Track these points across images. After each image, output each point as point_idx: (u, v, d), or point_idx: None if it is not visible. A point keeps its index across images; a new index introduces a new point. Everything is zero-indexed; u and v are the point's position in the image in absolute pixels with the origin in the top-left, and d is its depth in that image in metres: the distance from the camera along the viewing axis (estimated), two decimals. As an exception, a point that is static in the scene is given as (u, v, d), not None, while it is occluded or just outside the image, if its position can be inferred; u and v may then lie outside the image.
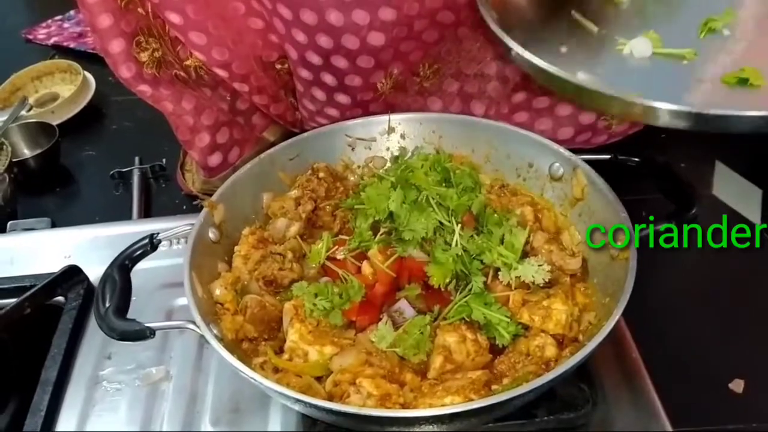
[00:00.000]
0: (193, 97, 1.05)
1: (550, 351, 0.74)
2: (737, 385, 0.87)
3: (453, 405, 0.66)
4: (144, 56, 0.96)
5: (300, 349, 0.75)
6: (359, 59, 0.94)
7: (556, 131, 1.09)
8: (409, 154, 0.96)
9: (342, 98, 1.01)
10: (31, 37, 1.75)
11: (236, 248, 0.86)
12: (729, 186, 1.10)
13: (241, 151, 1.14)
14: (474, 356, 0.75)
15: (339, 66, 0.96)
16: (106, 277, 0.78)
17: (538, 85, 1.01)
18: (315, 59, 0.95)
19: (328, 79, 0.98)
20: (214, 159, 1.11)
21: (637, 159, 0.86)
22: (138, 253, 0.81)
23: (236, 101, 1.10)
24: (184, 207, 1.22)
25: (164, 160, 1.29)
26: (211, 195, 1.02)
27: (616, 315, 0.70)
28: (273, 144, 1.16)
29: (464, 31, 0.99)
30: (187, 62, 1.00)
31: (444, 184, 0.84)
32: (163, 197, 1.26)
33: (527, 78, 1.02)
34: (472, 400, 0.67)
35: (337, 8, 0.88)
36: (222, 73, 0.99)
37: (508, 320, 0.76)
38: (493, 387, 0.71)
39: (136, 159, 1.31)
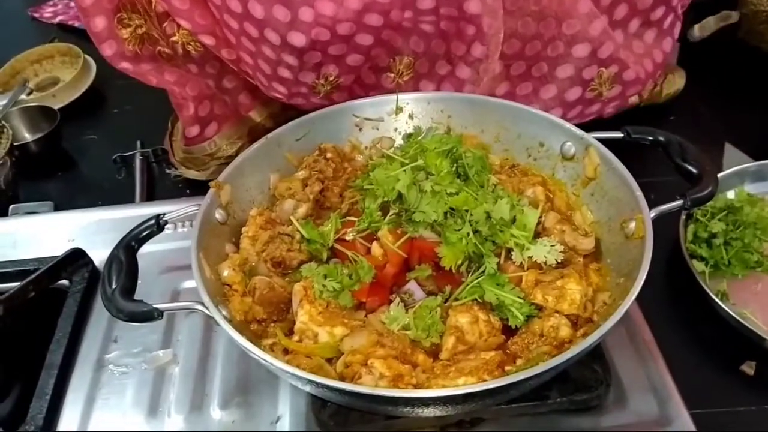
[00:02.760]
0: (175, 71, 1.05)
1: (565, 331, 0.73)
2: (749, 367, 0.86)
3: (467, 385, 0.65)
4: (125, 33, 0.95)
5: (310, 330, 0.74)
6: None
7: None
8: (424, 133, 0.94)
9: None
10: (37, 15, 1.74)
11: (244, 229, 0.84)
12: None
13: (219, 126, 1.15)
14: (487, 337, 0.74)
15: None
16: (112, 258, 0.77)
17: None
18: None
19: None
20: (193, 130, 1.13)
21: (651, 138, 0.84)
22: (144, 234, 0.80)
23: (223, 79, 1.09)
24: (188, 191, 1.21)
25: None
26: (189, 165, 1.08)
27: (632, 295, 0.69)
28: (259, 124, 1.16)
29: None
30: (174, 38, 0.99)
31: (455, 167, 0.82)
32: (166, 181, 1.24)
33: (508, 67, 1.03)
34: (485, 380, 0.66)
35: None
36: (208, 41, 0.98)
37: (522, 301, 0.74)
38: (507, 368, 0.70)
39: (138, 143, 1.29)
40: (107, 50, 0.97)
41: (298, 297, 0.76)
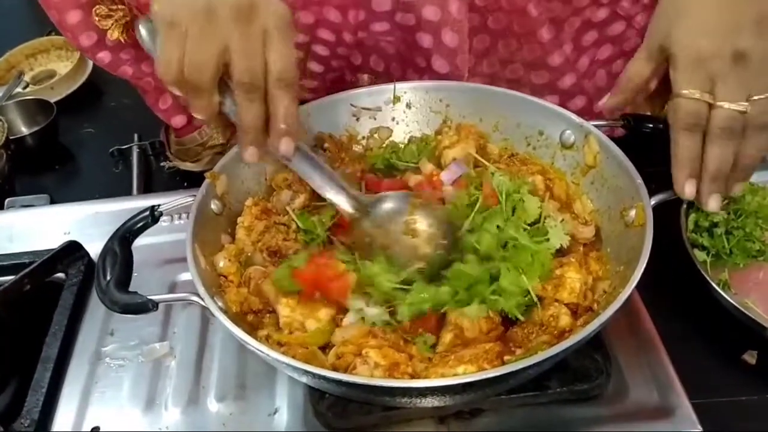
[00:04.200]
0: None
1: (565, 321, 0.72)
2: (751, 357, 0.85)
3: (466, 374, 0.65)
4: (108, 23, 0.94)
5: (296, 321, 0.73)
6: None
7: None
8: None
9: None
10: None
11: (239, 219, 0.84)
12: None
13: None
14: (486, 332, 0.73)
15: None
16: (106, 250, 0.76)
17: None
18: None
19: None
20: (178, 120, 1.12)
21: (651, 125, 0.83)
22: (139, 225, 0.79)
23: None
24: (185, 184, 1.20)
25: (164, 137, 1.27)
26: (183, 157, 1.08)
27: (633, 283, 0.68)
28: None
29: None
30: None
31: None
32: (163, 174, 1.23)
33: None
34: (485, 369, 0.66)
35: None
36: None
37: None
38: (506, 358, 0.69)
39: (135, 136, 1.28)
40: (85, 41, 0.96)
41: (272, 293, 0.76)
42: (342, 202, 0.79)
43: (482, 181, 0.81)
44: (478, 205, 0.77)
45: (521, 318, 0.73)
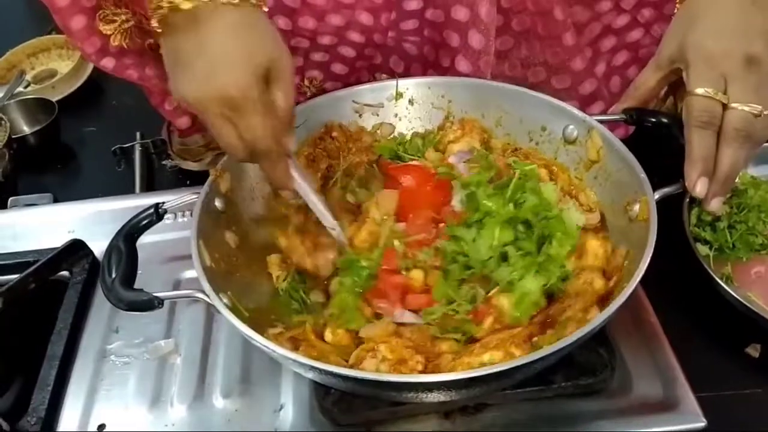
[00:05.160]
0: (160, 64, 1.03)
1: (599, 283, 0.73)
2: (754, 350, 0.86)
3: (471, 370, 0.65)
4: (110, 29, 0.93)
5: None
6: None
7: None
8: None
9: None
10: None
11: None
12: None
13: None
14: (534, 315, 0.73)
15: None
16: (111, 247, 0.76)
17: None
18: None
19: None
20: (183, 121, 1.12)
21: (653, 119, 0.83)
22: (144, 222, 0.79)
23: None
24: (188, 182, 1.20)
25: (166, 135, 1.27)
26: (185, 157, 1.10)
27: (637, 277, 0.68)
28: None
29: None
30: None
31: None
32: (166, 172, 1.23)
33: None
34: (513, 354, 0.66)
35: None
36: None
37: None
38: (534, 340, 0.69)
39: (138, 134, 1.28)
40: (89, 48, 0.95)
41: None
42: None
43: (495, 156, 0.82)
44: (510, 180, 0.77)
45: (562, 289, 0.74)
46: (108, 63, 0.98)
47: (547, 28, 0.96)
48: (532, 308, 0.72)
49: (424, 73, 1.02)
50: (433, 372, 0.69)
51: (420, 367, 0.68)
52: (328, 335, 0.75)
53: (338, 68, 1.01)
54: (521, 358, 0.63)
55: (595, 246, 0.75)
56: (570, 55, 0.98)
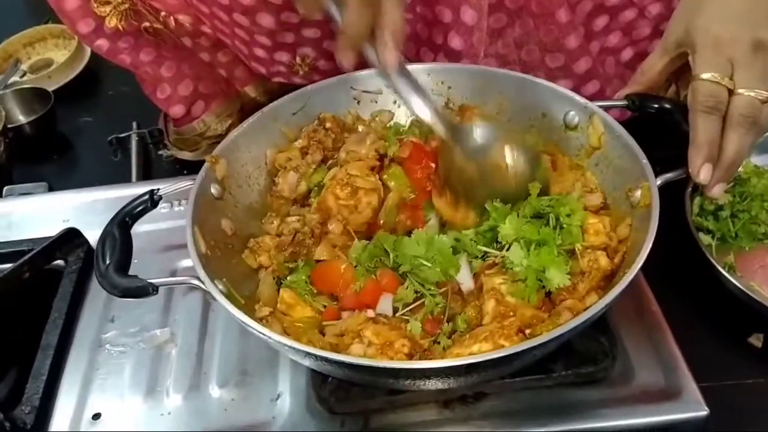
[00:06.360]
0: (152, 51, 1.03)
1: (604, 261, 0.72)
2: (757, 339, 0.85)
3: (469, 356, 0.64)
4: (105, 9, 0.93)
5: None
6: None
7: None
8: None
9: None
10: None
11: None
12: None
13: (206, 105, 1.13)
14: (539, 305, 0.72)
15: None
16: (105, 234, 0.75)
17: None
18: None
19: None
20: (176, 110, 1.12)
21: (656, 105, 0.82)
22: (138, 209, 0.78)
23: (218, 52, 1.08)
24: (185, 171, 1.19)
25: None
26: (181, 146, 1.08)
27: (638, 263, 0.67)
28: (253, 99, 1.15)
29: None
30: (165, 12, 0.97)
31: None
32: (162, 163, 1.23)
33: None
34: (502, 346, 0.65)
35: None
36: (185, 19, 0.97)
37: None
38: (527, 332, 0.68)
39: (134, 124, 1.28)
40: (84, 28, 0.95)
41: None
42: (437, 125, 0.78)
43: None
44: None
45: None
46: (102, 44, 0.98)
47: (540, 4, 0.95)
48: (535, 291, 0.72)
49: (417, 52, 1.01)
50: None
51: (406, 350, 0.67)
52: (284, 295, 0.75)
53: (330, 45, 1.00)
54: (521, 343, 0.62)
55: (594, 224, 0.74)
56: (564, 32, 0.97)
